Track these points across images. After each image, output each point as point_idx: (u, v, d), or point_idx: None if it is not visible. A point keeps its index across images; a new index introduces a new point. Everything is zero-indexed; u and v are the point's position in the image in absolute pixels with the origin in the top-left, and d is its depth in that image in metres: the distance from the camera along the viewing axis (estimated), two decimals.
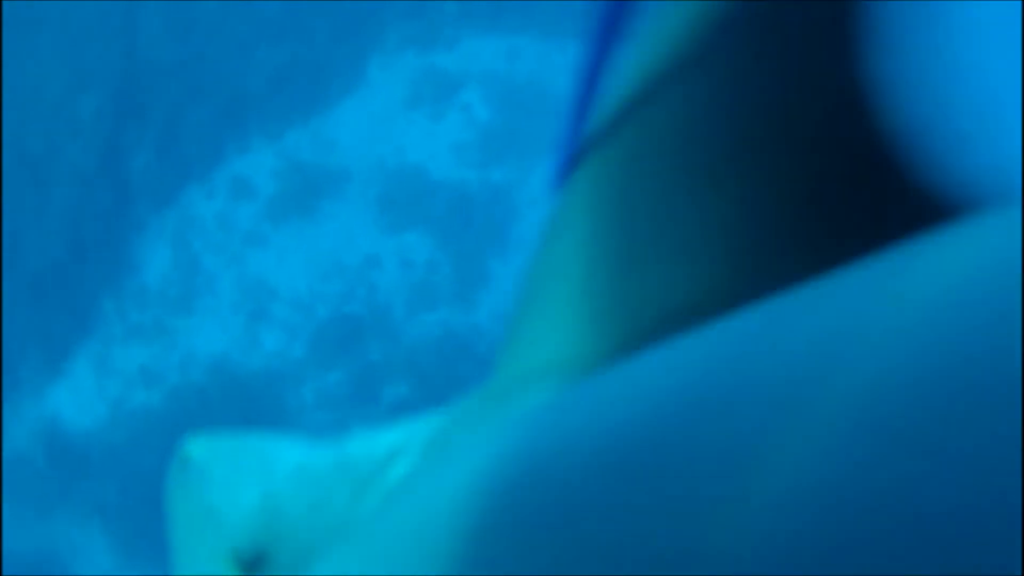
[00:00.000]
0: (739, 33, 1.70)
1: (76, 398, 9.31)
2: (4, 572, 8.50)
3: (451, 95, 10.33)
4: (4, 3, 9.07)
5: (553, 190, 1.66)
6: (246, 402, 8.97)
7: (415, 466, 1.41)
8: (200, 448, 1.85)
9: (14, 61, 8.79)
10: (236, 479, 1.77)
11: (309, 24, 10.30)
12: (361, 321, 9.38)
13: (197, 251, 9.66)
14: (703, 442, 0.88)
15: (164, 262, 9.69)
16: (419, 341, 9.46)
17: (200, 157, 9.99)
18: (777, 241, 1.46)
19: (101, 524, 9.32)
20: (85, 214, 9.37)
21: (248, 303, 9.47)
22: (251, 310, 9.46)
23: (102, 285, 9.48)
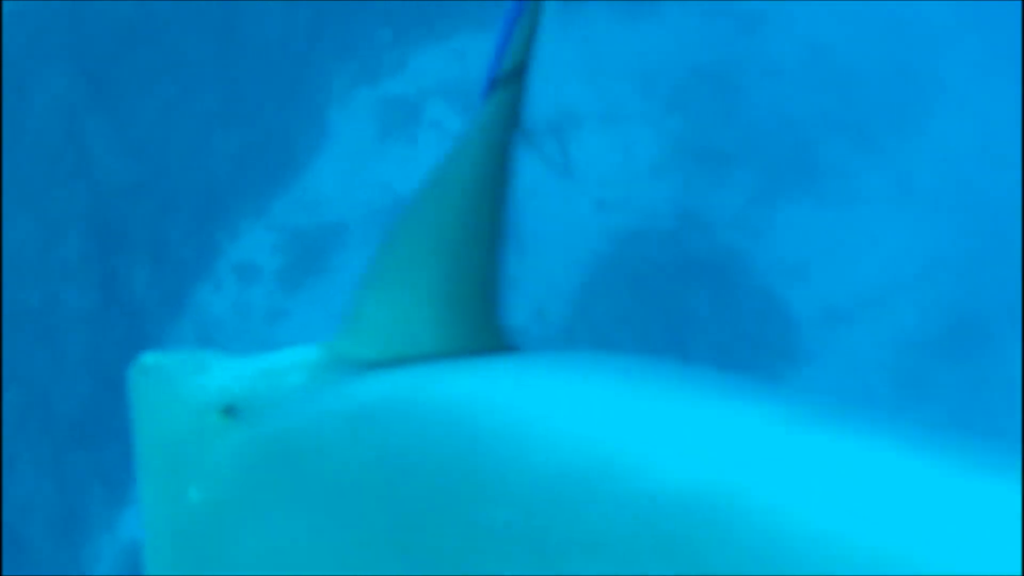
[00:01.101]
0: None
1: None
2: None
3: (417, 115, 10.28)
4: None
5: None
6: None
7: (309, 381, 2.26)
8: (153, 359, 2.66)
9: None
10: (190, 373, 2.52)
11: (253, 96, 10.25)
12: None
13: (224, 345, 9.57)
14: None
15: None
16: None
17: (196, 257, 9.94)
18: None
19: None
20: (102, 349, 9.31)
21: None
22: None
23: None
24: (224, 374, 2.43)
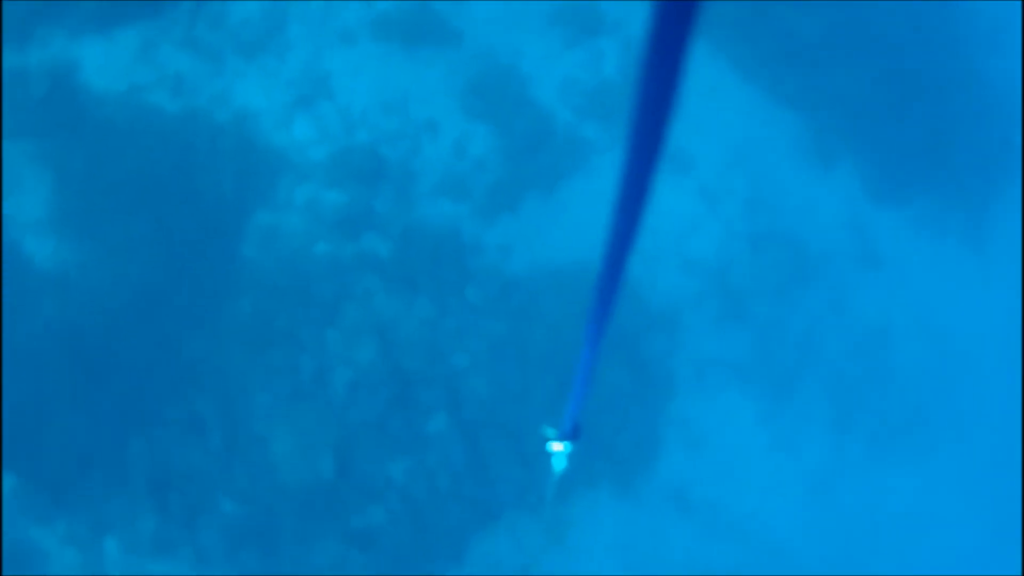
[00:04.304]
0: None
1: (107, 64, 9.20)
2: None
3: (593, 34, 10.19)
4: None
5: None
6: (246, 163, 8.89)
7: None
8: None
9: None
10: None
11: None
12: (388, 167, 9.29)
13: (290, 16, 9.54)
14: None
15: (255, 5, 9.56)
16: (425, 220, 9.38)
17: None
18: None
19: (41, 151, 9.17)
20: None
21: (304, 87, 9.37)
22: (302, 94, 9.37)
23: None
24: None
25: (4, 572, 8.59)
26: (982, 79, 11.17)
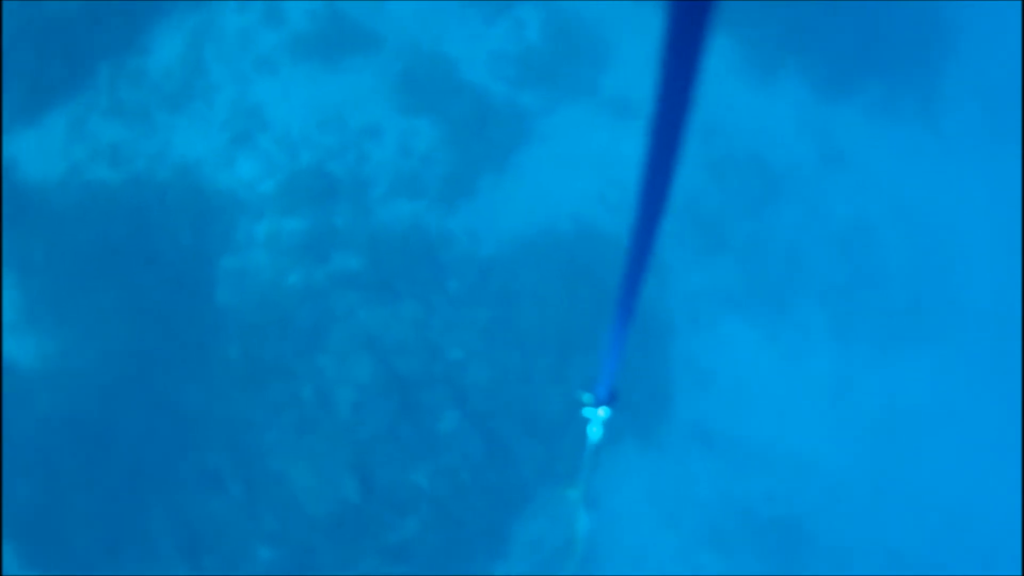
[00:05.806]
0: None
1: (41, 151, 9.07)
2: None
3: (510, 5, 10.08)
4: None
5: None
6: (199, 213, 8.78)
7: None
8: None
9: None
10: None
11: None
12: (339, 183, 9.22)
13: (208, 57, 9.42)
14: None
15: (172, 55, 9.44)
16: (387, 224, 9.32)
17: None
18: None
19: (17, 276, 9.13)
20: None
21: (238, 124, 9.27)
22: (238, 132, 9.26)
23: (105, 54, 9.21)
24: None
25: None
26: None
